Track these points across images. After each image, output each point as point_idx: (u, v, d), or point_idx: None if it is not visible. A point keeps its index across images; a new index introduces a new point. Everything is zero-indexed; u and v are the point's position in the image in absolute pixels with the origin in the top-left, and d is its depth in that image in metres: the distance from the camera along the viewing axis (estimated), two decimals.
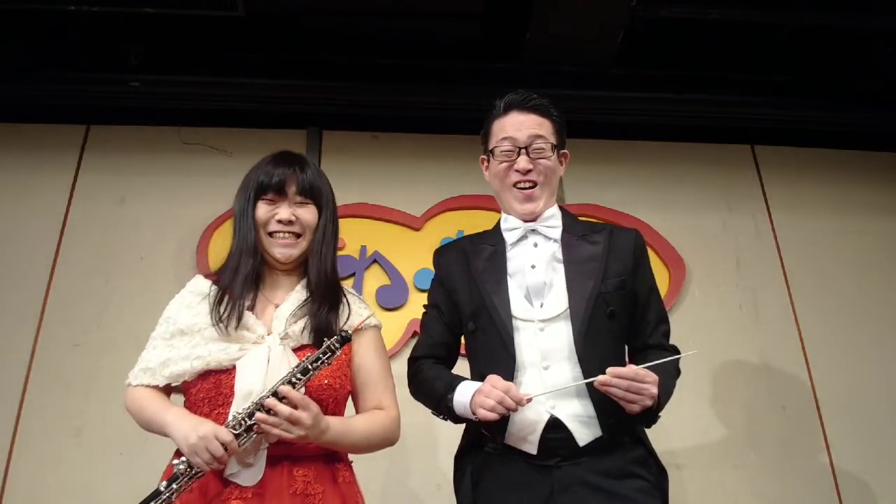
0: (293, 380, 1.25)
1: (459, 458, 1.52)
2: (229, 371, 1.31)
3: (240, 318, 1.34)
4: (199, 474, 1.22)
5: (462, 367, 1.56)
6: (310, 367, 1.26)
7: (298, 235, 1.43)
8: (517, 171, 1.48)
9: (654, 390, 1.27)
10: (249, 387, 1.27)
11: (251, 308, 1.38)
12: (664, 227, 2.63)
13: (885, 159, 2.91)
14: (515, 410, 1.29)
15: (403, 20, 2.45)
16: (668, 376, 1.38)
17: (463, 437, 1.54)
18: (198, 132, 2.68)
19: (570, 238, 1.48)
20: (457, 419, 1.43)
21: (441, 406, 1.44)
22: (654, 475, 1.38)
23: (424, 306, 1.63)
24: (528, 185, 1.48)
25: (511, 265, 1.47)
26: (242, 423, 1.22)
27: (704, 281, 2.58)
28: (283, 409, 1.21)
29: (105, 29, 2.42)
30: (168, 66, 2.52)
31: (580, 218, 1.62)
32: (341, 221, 2.50)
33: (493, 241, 1.53)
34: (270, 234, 1.42)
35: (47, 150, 2.61)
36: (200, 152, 2.66)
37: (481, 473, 1.43)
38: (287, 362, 1.31)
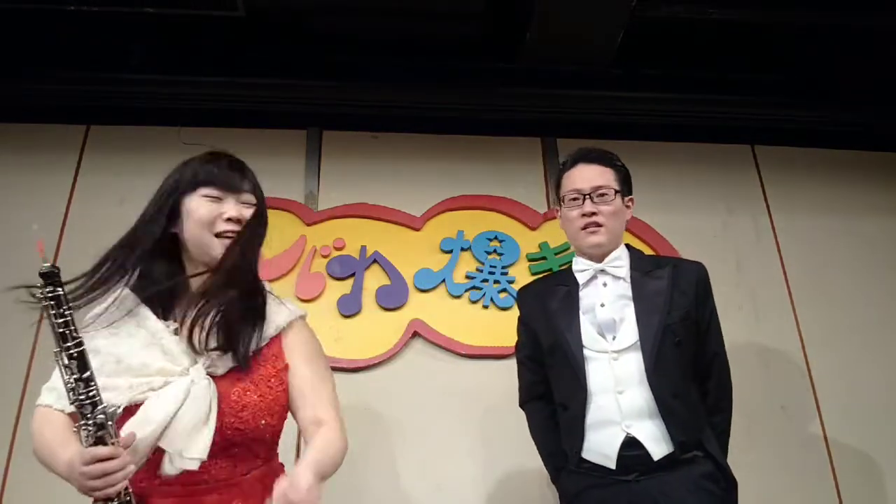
0: (71, 355, 1.09)
1: (556, 479, 1.69)
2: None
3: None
4: (125, 494, 1.10)
5: None
6: (62, 330, 1.11)
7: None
8: (584, 215, 1.64)
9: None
10: (153, 429, 1.13)
11: (176, 330, 1.23)
12: (664, 227, 2.63)
13: (885, 159, 2.91)
14: None
15: (403, 20, 2.45)
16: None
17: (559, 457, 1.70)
18: (198, 132, 2.68)
19: (637, 276, 1.62)
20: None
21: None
22: (723, 488, 1.52)
23: (516, 344, 1.81)
24: (592, 225, 1.64)
25: (583, 304, 1.63)
26: (88, 429, 1.07)
27: None
28: (301, 498, 1.03)
29: (105, 29, 2.42)
30: (168, 66, 2.52)
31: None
32: (342, 221, 2.57)
33: (566, 283, 1.69)
34: (217, 234, 1.28)
35: (47, 150, 2.61)
36: (200, 152, 2.65)
37: (568, 489, 1.60)
38: (206, 407, 1.17)
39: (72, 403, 1.08)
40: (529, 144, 2.76)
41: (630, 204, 1.72)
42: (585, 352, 1.57)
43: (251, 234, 1.33)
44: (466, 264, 2.54)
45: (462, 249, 2.55)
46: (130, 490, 1.12)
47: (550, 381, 1.68)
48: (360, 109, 2.69)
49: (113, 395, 1.15)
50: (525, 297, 1.79)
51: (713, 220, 2.73)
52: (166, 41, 2.50)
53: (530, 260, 2.54)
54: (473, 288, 2.49)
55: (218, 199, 1.33)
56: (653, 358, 1.51)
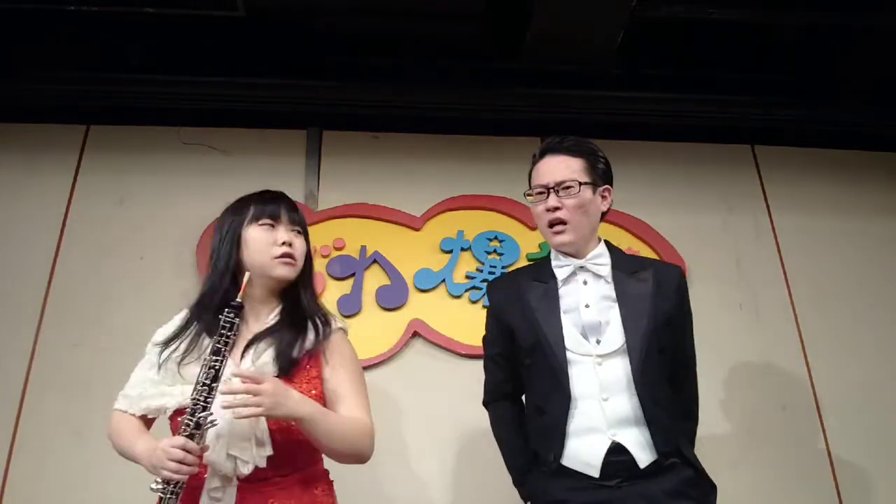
0: (212, 364, 1.28)
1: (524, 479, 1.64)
2: None
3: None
4: (179, 485, 1.26)
5: None
6: (218, 346, 1.29)
7: (295, 259, 1.49)
8: (547, 210, 1.58)
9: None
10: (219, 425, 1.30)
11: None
12: (664, 227, 2.63)
13: (885, 159, 2.91)
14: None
15: (403, 20, 2.45)
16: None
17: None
18: (198, 132, 2.68)
19: (621, 276, 1.57)
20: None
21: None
22: (702, 493, 1.50)
23: (484, 339, 1.72)
24: (556, 221, 1.58)
25: (564, 303, 1.57)
26: (188, 423, 1.26)
27: (704, 281, 2.58)
28: (239, 385, 1.26)
29: (105, 29, 2.42)
30: (168, 66, 2.51)
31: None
32: (342, 221, 2.57)
33: (544, 279, 1.62)
34: (273, 256, 1.46)
35: (47, 150, 2.61)
36: (200, 152, 2.66)
37: (545, 490, 1.52)
38: None
39: (192, 398, 1.27)
40: (529, 144, 2.75)
41: (606, 194, 1.64)
42: (568, 354, 1.50)
43: (308, 263, 1.56)
44: (466, 264, 2.54)
45: (462, 249, 2.55)
46: (184, 486, 1.27)
47: (525, 382, 1.62)
48: (360, 109, 2.69)
49: (168, 400, 1.37)
50: (497, 291, 1.70)
51: (713, 219, 2.73)
52: (166, 41, 2.50)
53: (530, 260, 2.54)
54: (473, 288, 2.49)
55: (271, 227, 1.50)
56: (640, 364, 1.47)
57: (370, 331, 2.40)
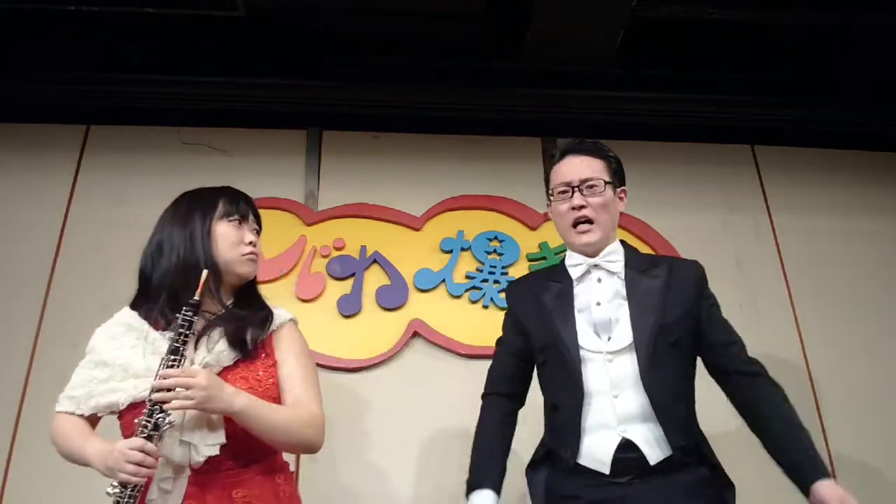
0: (169, 363, 1.28)
1: (533, 469, 1.62)
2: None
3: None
4: (137, 489, 1.24)
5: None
6: (176, 344, 1.29)
7: (257, 258, 1.52)
8: (572, 208, 1.59)
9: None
10: (175, 418, 1.29)
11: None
12: (664, 227, 2.63)
13: (885, 159, 2.91)
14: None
15: (403, 20, 2.45)
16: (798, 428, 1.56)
17: (537, 450, 1.65)
18: (198, 132, 2.68)
19: (632, 273, 1.58)
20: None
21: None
22: (717, 493, 1.50)
23: (500, 339, 1.73)
24: (582, 220, 1.58)
25: (578, 301, 1.58)
26: (146, 423, 1.24)
27: None
28: (170, 380, 1.25)
29: (105, 29, 2.42)
30: (168, 66, 2.51)
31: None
32: (342, 221, 2.57)
33: (559, 278, 1.63)
34: (242, 254, 1.48)
35: (47, 150, 2.61)
36: (200, 152, 2.66)
37: (558, 487, 1.53)
38: None
39: (149, 399, 1.26)
40: (529, 144, 2.75)
41: (623, 196, 1.67)
42: (582, 352, 1.52)
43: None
44: (466, 264, 2.54)
45: (462, 249, 2.55)
46: (141, 489, 1.26)
47: (541, 381, 1.63)
48: (360, 109, 2.69)
49: (120, 395, 1.34)
50: (516, 292, 1.72)
51: (713, 219, 2.73)
52: (166, 41, 2.50)
53: (530, 260, 2.55)
54: (473, 288, 2.49)
55: (239, 224, 1.51)
56: (647, 360, 1.47)
57: (370, 331, 2.40)
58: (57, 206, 2.52)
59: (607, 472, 1.45)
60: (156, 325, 1.40)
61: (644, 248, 2.59)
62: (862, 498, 2.34)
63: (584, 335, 1.53)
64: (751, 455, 2.33)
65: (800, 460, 1.47)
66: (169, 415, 1.25)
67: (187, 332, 1.30)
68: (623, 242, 1.66)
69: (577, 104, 2.65)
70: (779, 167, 2.85)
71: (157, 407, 1.24)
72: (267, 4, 2.33)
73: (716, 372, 1.58)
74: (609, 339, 1.52)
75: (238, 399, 1.30)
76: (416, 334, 2.41)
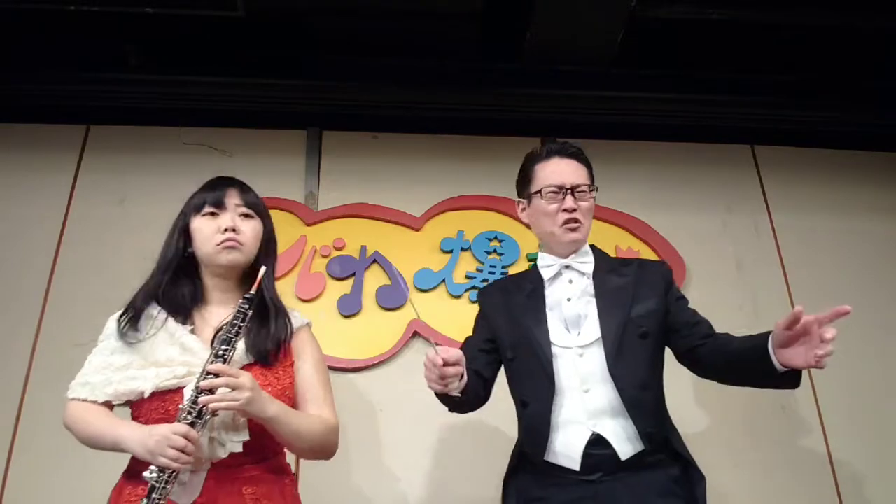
0: (219, 353, 1.29)
1: (508, 479, 1.64)
2: (175, 392, 1.33)
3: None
4: (173, 475, 1.23)
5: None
6: (229, 335, 1.31)
7: (241, 244, 1.47)
8: (565, 210, 1.61)
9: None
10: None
11: (193, 330, 1.42)
12: (664, 227, 2.63)
13: (885, 159, 2.91)
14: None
15: (403, 20, 2.44)
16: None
17: (510, 459, 1.66)
18: (198, 132, 2.68)
19: (602, 273, 1.62)
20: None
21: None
22: (689, 489, 1.48)
23: (466, 339, 1.74)
24: (573, 222, 1.61)
25: (549, 300, 1.61)
26: (191, 411, 1.25)
27: (705, 281, 2.58)
28: (220, 379, 1.26)
29: (105, 29, 2.42)
30: (168, 66, 2.52)
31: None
32: (342, 221, 2.57)
33: (532, 280, 1.67)
34: (216, 244, 1.46)
35: (47, 150, 2.61)
36: (200, 152, 2.66)
37: (528, 489, 1.54)
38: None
39: (196, 387, 1.27)
40: (529, 144, 2.74)
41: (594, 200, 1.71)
42: (553, 348, 1.54)
43: (266, 246, 1.55)
44: (466, 264, 2.54)
45: (462, 249, 2.55)
46: (176, 475, 1.25)
47: (509, 377, 1.65)
48: (360, 109, 2.69)
49: (141, 382, 1.34)
50: (487, 294, 1.76)
51: (713, 219, 2.73)
52: (166, 41, 2.50)
53: (530, 260, 2.54)
54: (473, 288, 2.49)
55: (213, 215, 1.49)
56: (615, 352, 1.49)
57: (370, 331, 2.40)
58: (57, 206, 2.52)
59: (577, 468, 1.45)
60: (178, 319, 1.42)
61: (644, 249, 2.60)
62: (862, 497, 2.36)
63: (555, 331, 1.56)
64: (722, 447, 2.35)
65: (755, 339, 1.43)
66: (213, 414, 1.27)
67: (241, 324, 1.31)
68: (593, 247, 1.70)
69: (576, 104, 2.65)
70: (779, 167, 2.85)
71: (203, 394, 1.25)
72: (267, 4, 2.33)
73: (685, 353, 1.58)
74: (578, 333, 1.55)
75: (272, 405, 1.33)
76: (416, 334, 2.41)
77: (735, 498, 2.29)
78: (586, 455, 1.45)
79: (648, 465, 1.46)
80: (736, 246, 2.69)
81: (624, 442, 1.46)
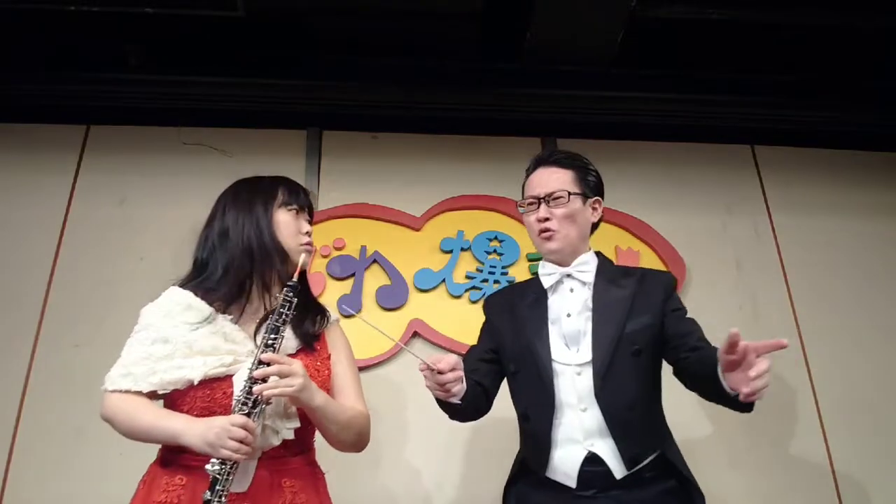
0: (268, 342, 1.31)
1: (508, 486, 1.64)
2: (222, 380, 1.34)
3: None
4: (234, 466, 1.24)
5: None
6: (277, 324, 1.33)
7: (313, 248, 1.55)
8: (538, 220, 1.62)
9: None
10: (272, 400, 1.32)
11: (234, 321, 1.42)
12: (664, 227, 2.63)
13: (885, 159, 2.91)
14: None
15: (403, 20, 2.45)
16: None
17: (513, 466, 1.67)
18: (198, 132, 2.68)
19: (602, 283, 1.58)
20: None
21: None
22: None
23: (470, 348, 1.74)
24: (546, 231, 1.61)
25: (551, 312, 1.59)
26: (246, 402, 1.26)
27: (704, 281, 2.58)
28: (272, 368, 1.28)
29: (105, 29, 2.42)
30: (168, 66, 2.52)
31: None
32: (342, 221, 2.57)
33: (535, 289, 1.65)
34: (300, 243, 1.50)
35: (47, 150, 2.61)
36: (200, 152, 2.66)
37: (526, 498, 1.56)
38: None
39: (249, 377, 1.28)
40: (529, 144, 2.75)
41: (596, 206, 1.67)
42: (554, 364, 1.53)
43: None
44: (466, 264, 2.54)
45: (462, 249, 2.55)
46: (237, 466, 1.26)
47: (511, 389, 1.64)
48: (360, 109, 2.69)
49: (189, 371, 1.33)
50: (493, 302, 1.75)
51: (713, 220, 2.73)
52: (166, 41, 2.50)
53: (530, 260, 2.55)
54: (473, 288, 2.49)
55: (297, 214, 1.54)
56: (603, 373, 1.48)
57: (370, 331, 2.38)
58: (57, 206, 2.52)
59: (574, 485, 1.46)
60: (217, 308, 1.41)
61: (644, 249, 2.60)
62: (862, 498, 2.36)
63: (556, 347, 1.55)
64: (722, 447, 2.35)
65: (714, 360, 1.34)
66: (267, 402, 1.29)
67: (288, 312, 1.33)
68: (598, 254, 1.67)
69: (576, 104, 2.65)
70: (779, 167, 2.85)
71: (257, 383, 1.26)
72: (267, 4, 2.33)
73: (672, 364, 1.55)
74: (577, 351, 1.53)
75: (319, 394, 1.36)
76: (416, 334, 2.41)
77: (735, 498, 2.29)
78: (582, 472, 1.45)
79: (643, 481, 1.45)
80: (736, 246, 2.69)
81: (618, 461, 1.45)
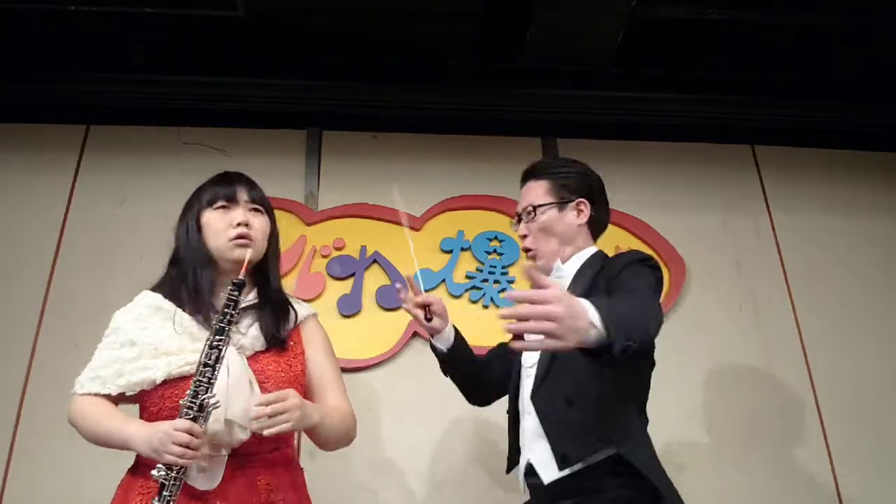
0: (213, 343, 1.28)
1: None
2: (188, 379, 1.32)
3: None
4: (182, 472, 1.23)
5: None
6: (222, 325, 1.30)
7: (253, 239, 1.47)
8: (520, 236, 1.66)
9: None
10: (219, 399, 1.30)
11: (201, 322, 1.42)
12: (664, 227, 2.63)
13: (885, 159, 2.91)
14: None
15: (403, 20, 2.45)
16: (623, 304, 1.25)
17: None
18: (198, 132, 2.68)
19: (574, 281, 1.53)
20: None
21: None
22: None
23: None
24: (528, 251, 1.63)
25: None
26: (192, 405, 1.24)
27: (704, 281, 2.58)
28: (267, 409, 1.26)
29: (105, 29, 2.42)
30: (168, 66, 2.52)
31: None
32: (342, 221, 2.57)
33: None
34: (229, 238, 1.45)
35: (47, 150, 2.61)
36: (200, 152, 2.66)
37: None
38: (245, 372, 1.36)
39: (195, 381, 1.26)
40: (529, 144, 2.75)
41: (582, 207, 1.60)
42: (523, 369, 1.55)
43: (274, 242, 1.56)
44: (466, 264, 2.54)
45: (462, 249, 2.55)
46: (186, 471, 1.25)
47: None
48: (360, 109, 2.69)
49: (154, 371, 1.34)
50: None
51: (713, 219, 2.73)
52: (166, 41, 2.50)
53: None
54: (473, 288, 2.49)
55: (225, 209, 1.50)
56: (541, 376, 1.45)
57: (370, 331, 2.40)
58: (57, 206, 2.52)
59: (528, 497, 1.46)
60: (186, 310, 1.43)
61: (644, 249, 2.59)
62: (863, 498, 2.36)
63: (528, 353, 1.55)
64: (721, 447, 2.35)
65: None
66: (213, 395, 1.26)
67: (233, 311, 1.31)
68: (598, 252, 1.59)
69: (576, 104, 2.65)
70: (779, 167, 2.84)
71: (201, 387, 1.25)
72: (267, 4, 2.33)
73: None
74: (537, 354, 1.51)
75: (315, 412, 1.36)
76: (416, 334, 2.41)
77: (734, 498, 2.29)
78: (528, 483, 1.45)
79: (590, 489, 1.33)
80: (736, 246, 2.69)
81: (546, 467, 1.38)
